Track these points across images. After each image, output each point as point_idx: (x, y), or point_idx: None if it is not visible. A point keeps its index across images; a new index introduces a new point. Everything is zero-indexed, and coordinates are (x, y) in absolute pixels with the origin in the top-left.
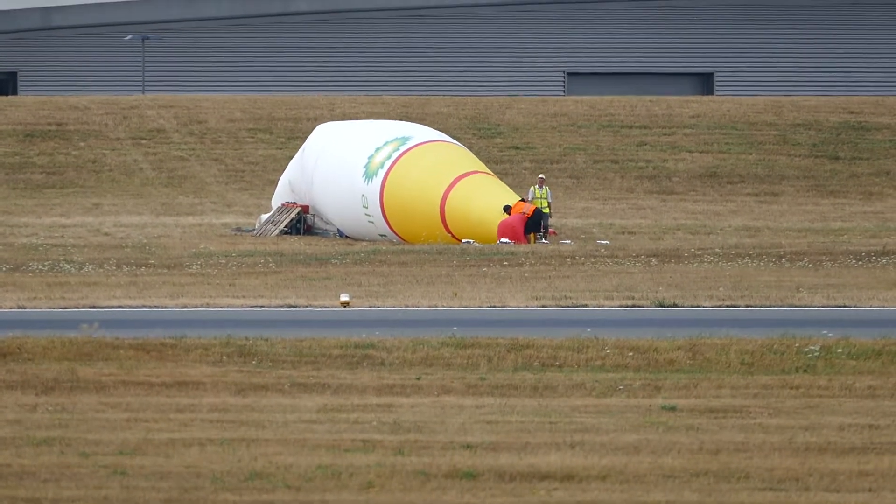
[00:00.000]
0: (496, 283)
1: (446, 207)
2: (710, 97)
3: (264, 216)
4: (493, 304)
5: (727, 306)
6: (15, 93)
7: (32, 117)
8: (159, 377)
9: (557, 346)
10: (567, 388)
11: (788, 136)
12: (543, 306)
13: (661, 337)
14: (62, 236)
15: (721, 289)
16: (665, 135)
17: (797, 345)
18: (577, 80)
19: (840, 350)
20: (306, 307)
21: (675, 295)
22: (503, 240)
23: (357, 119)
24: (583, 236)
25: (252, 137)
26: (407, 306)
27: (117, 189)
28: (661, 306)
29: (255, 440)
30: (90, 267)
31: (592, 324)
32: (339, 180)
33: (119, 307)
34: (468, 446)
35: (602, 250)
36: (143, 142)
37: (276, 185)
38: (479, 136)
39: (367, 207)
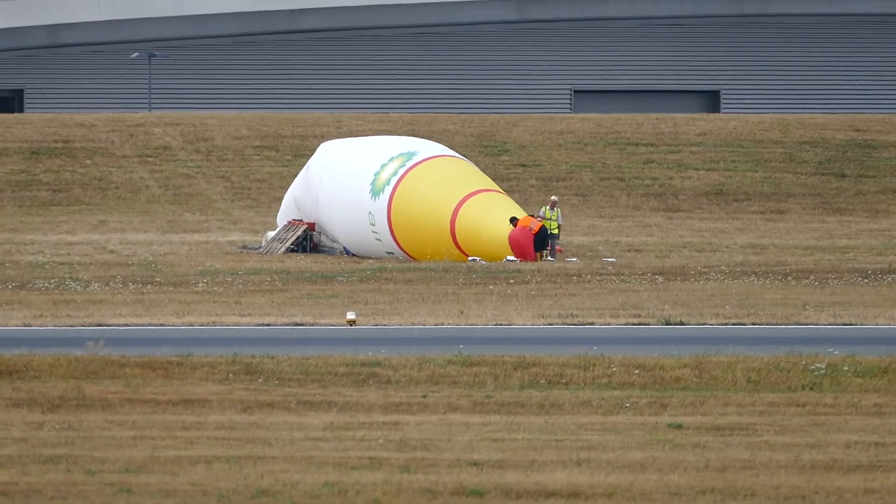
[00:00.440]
0: (502, 300)
1: (457, 224)
2: (716, 115)
3: (270, 234)
4: (499, 322)
5: (733, 324)
6: (21, 110)
7: (39, 135)
8: (165, 395)
9: (564, 363)
10: (573, 406)
11: (795, 153)
12: (550, 324)
13: (668, 355)
14: (68, 254)
15: (727, 306)
16: (671, 152)
17: (803, 363)
18: (584, 97)
19: (846, 368)
20: (312, 325)
21: (682, 313)
22: (510, 258)
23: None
24: (589, 254)
25: (258, 155)
26: (413, 324)
27: (123, 206)
28: (668, 324)
29: (261, 458)
30: (96, 285)
31: (599, 342)
32: (346, 197)
33: (125, 325)
34: (475, 464)
35: (608, 268)
36: (150, 159)
37: (281, 203)
38: (485, 153)
39: (374, 224)
